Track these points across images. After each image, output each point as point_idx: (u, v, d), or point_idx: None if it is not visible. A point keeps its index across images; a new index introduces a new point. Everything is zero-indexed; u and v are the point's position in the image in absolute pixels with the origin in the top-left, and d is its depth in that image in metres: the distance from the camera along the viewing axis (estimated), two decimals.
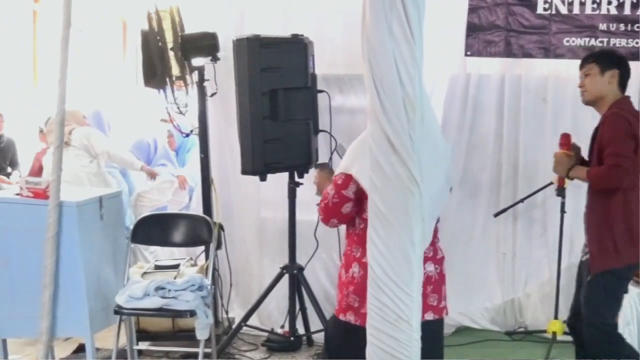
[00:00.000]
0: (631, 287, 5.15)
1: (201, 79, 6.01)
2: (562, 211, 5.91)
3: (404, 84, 2.64)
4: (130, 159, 7.09)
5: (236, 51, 5.60)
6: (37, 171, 7.35)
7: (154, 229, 5.71)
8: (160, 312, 5.18)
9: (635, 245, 4.61)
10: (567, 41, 6.16)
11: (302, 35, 5.70)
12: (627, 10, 6.03)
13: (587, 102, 4.86)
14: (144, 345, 5.83)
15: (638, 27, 6.03)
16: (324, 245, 6.11)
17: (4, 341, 5.31)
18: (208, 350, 5.40)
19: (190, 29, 6.05)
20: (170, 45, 5.84)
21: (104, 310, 5.25)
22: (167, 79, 5.84)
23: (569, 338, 5.90)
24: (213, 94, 6.10)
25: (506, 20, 6.25)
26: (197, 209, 6.43)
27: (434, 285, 3.81)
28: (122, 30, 12.17)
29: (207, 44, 5.93)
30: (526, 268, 6.54)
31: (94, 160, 6.81)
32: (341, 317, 3.90)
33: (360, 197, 3.77)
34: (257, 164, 5.59)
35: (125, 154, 7.11)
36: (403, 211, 2.71)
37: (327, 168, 4.80)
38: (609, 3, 6.05)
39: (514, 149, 6.43)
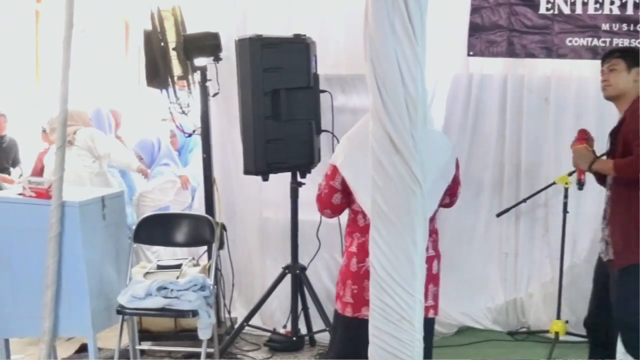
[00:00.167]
0: None
1: (204, 79, 6.01)
2: (565, 211, 5.92)
3: (407, 84, 2.64)
4: (128, 160, 7.07)
5: (239, 51, 5.60)
6: (40, 171, 7.36)
7: (157, 229, 5.71)
8: (162, 312, 5.18)
9: None
10: (570, 41, 6.15)
11: (304, 35, 5.70)
12: (629, 10, 6.02)
13: (609, 98, 4.72)
14: (146, 345, 5.83)
15: None
16: (326, 245, 6.10)
17: (7, 341, 5.31)
18: (210, 350, 5.40)
19: (193, 28, 6.06)
20: (172, 45, 5.84)
21: (106, 310, 5.26)
22: (170, 79, 5.84)
23: (572, 338, 5.93)
24: (215, 94, 6.11)
25: (509, 20, 6.25)
26: (199, 208, 6.43)
27: None
28: (124, 30, 12.18)
29: (209, 44, 5.93)
30: (528, 268, 6.54)
31: (96, 161, 6.82)
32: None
33: (347, 189, 3.88)
34: (259, 164, 5.59)
35: (125, 156, 7.09)
36: (405, 211, 2.71)
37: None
38: (612, 3, 6.05)
39: (517, 149, 6.42)
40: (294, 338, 6.03)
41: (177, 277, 5.61)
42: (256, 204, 6.53)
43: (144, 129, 8.40)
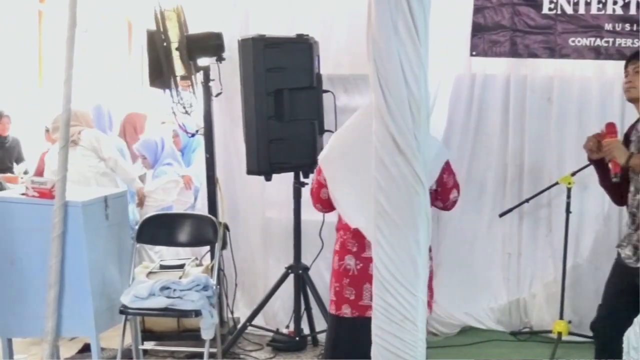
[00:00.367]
0: None
1: (206, 79, 6.01)
2: (568, 211, 5.92)
3: (409, 84, 2.64)
4: (132, 175, 7.05)
5: (241, 51, 5.61)
6: (43, 171, 7.36)
7: (159, 229, 5.71)
8: (165, 312, 5.19)
9: None
10: (573, 41, 6.15)
11: (307, 35, 5.70)
12: (632, 10, 6.01)
13: (632, 100, 4.66)
14: (149, 345, 5.83)
15: None
16: (329, 245, 6.07)
17: (10, 340, 5.32)
18: (213, 350, 5.40)
19: (196, 28, 6.06)
20: (175, 45, 5.84)
21: (109, 310, 5.26)
22: (173, 79, 5.84)
23: (575, 338, 5.93)
24: (218, 94, 6.11)
25: (511, 20, 6.24)
26: (202, 208, 6.43)
27: None
28: (127, 30, 12.19)
29: (212, 44, 5.94)
30: (531, 268, 6.53)
31: (101, 161, 6.81)
32: None
33: None
34: (262, 164, 5.60)
35: (130, 172, 7.09)
36: (408, 211, 2.71)
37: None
38: (615, 3, 6.04)
39: (520, 149, 6.42)
40: (297, 338, 6.03)
41: (180, 277, 5.61)
42: (259, 204, 6.53)
43: (147, 128, 8.38)
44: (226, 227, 6.02)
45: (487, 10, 6.28)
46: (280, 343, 6.11)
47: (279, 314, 6.42)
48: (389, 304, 2.76)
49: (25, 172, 9.02)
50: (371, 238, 3.80)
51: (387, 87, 2.65)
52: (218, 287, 5.54)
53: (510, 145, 6.43)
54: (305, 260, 5.99)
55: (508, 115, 6.42)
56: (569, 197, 5.91)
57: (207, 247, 6.16)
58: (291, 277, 5.95)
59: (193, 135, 6.85)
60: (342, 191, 3.91)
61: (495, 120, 6.46)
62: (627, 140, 4.71)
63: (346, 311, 3.97)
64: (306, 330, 6.10)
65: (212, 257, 5.90)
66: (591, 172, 5.70)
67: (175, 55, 5.85)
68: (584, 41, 6.13)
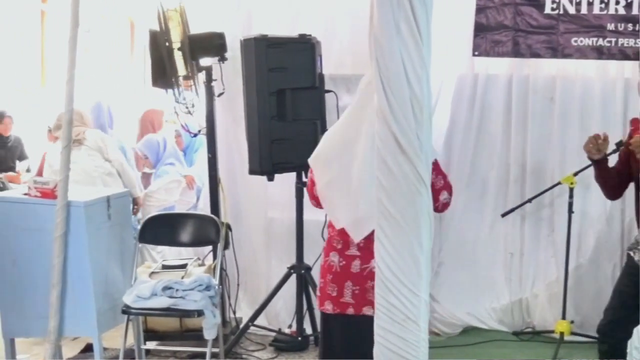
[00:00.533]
0: None
1: (209, 79, 6.01)
2: (570, 211, 5.92)
3: (412, 84, 2.64)
4: (135, 182, 7.01)
5: (244, 51, 5.61)
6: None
7: (162, 229, 5.71)
8: (167, 311, 5.19)
9: None
10: (575, 41, 6.15)
11: (309, 35, 5.70)
12: (635, 10, 6.01)
13: None
14: (151, 345, 5.84)
15: None
16: None
17: (12, 340, 5.31)
18: (215, 350, 5.40)
19: (198, 28, 6.06)
20: (177, 45, 5.85)
21: (111, 310, 5.26)
22: (175, 79, 5.84)
23: (577, 338, 5.93)
24: (220, 94, 6.11)
25: (514, 20, 6.24)
26: (204, 208, 6.43)
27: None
28: (129, 30, 12.20)
29: (215, 44, 5.94)
30: (534, 268, 6.53)
31: (107, 161, 6.78)
32: None
33: None
34: (264, 163, 5.60)
35: (134, 176, 7.07)
36: (411, 211, 2.71)
37: None
38: (617, 3, 6.04)
39: (522, 148, 6.41)
40: (299, 338, 6.03)
41: (183, 277, 5.62)
42: (261, 204, 6.53)
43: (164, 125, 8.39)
44: (228, 227, 6.02)
45: (490, 10, 6.28)
46: (282, 343, 6.11)
47: (281, 314, 6.42)
48: (391, 304, 2.76)
49: (28, 170, 9.04)
50: (355, 238, 3.84)
51: (390, 87, 2.65)
52: (220, 287, 5.55)
53: (513, 145, 6.43)
54: (308, 260, 5.98)
55: (510, 115, 6.42)
56: (571, 197, 5.90)
57: (210, 247, 6.16)
58: (293, 277, 5.95)
59: (195, 135, 6.84)
60: (328, 192, 3.93)
61: (497, 120, 6.46)
62: (627, 150, 4.74)
63: (328, 307, 3.98)
64: (308, 330, 6.10)
65: (215, 257, 5.90)
66: (593, 173, 5.71)
67: (178, 55, 5.85)
68: (587, 41, 6.12)
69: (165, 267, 5.94)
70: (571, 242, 5.99)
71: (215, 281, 5.40)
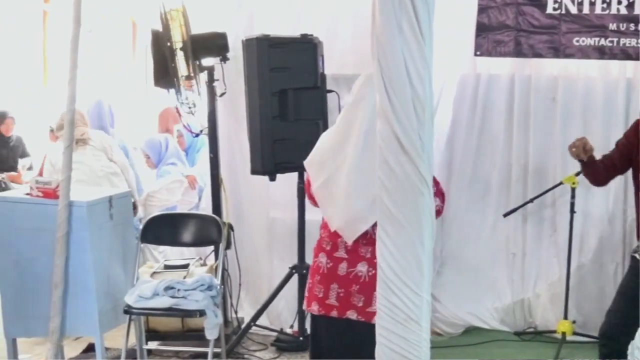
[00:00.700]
0: None
1: (211, 79, 6.01)
2: (572, 211, 5.91)
3: (414, 84, 2.64)
4: (134, 185, 7.00)
5: (246, 51, 5.61)
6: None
7: (164, 229, 5.72)
8: (169, 311, 5.19)
9: None
10: (577, 41, 6.15)
11: (311, 35, 5.71)
12: (637, 10, 6.00)
13: None
14: (153, 345, 5.84)
15: None
16: None
17: (14, 340, 5.32)
18: (217, 350, 5.40)
19: (200, 29, 6.06)
20: (179, 45, 5.85)
21: (113, 310, 5.27)
22: (177, 79, 5.84)
23: (579, 338, 5.93)
24: (222, 94, 6.11)
25: (516, 20, 6.24)
26: (206, 208, 6.43)
27: (360, 286, 3.81)
28: (131, 30, 12.20)
29: (217, 44, 5.94)
30: (536, 268, 6.52)
31: (112, 161, 6.77)
32: None
33: None
34: (266, 163, 5.60)
35: (134, 180, 7.06)
36: (413, 211, 2.71)
37: None
38: (619, 3, 6.03)
39: (524, 148, 6.41)
40: (301, 338, 6.03)
41: (184, 277, 5.62)
42: (263, 204, 6.53)
43: (151, 128, 8.39)
44: (230, 227, 6.02)
45: (492, 10, 6.28)
46: (284, 343, 6.11)
47: (283, 314, 6.42)
48: (393, 304, 2.76)
49: (30, 168, 9.05)
50: (347, 239, 3.83)
51: (392, 87, 2.65)
52: (222, 287, 5.55)
53: (515, 145, 6.43)
54: (309, 260, 5.93)
55: (512, 115, 6.42)
56: (573, 197, 5.90)
57: (212, 247, 6.17)
58: (295, 277, 5.95)
59: (197, 135, 6.84)
60: (322, 193, 3.93)
61: (499, 120, 6.46)
62: (629, 143, 4.74)
63: (314, 308, 3.98)
64: (309, 330, 6.09)
65: (217, 257, 5.91)
66: None
67: (180, 55, 5.85)
68: (589, 41, 6.12)
69: (167, 267, 5.94)
70: (573, 242, 5.99)
71: (217, 281, 5.40)
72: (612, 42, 6.07)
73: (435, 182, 3.93)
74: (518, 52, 6.29)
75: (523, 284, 6.55)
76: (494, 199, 6.53)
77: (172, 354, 5.90)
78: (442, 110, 6.30)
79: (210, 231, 5.63)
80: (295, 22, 6.23)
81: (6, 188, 8.08)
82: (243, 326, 6.12)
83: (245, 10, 6.42)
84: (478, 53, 6.37)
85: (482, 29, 6.32)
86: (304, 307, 4.13)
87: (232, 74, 6.04)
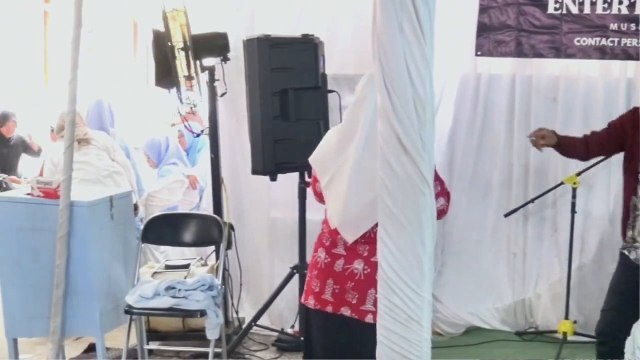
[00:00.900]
0: None
1: (212, 79, 6.01)
2: (573, 211, 5.92)
3: (415, 84, 2.64)
4: (135, 187, 7.00)
5: (246, 51, 5.61)
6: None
7: (165, 229, 5.71)
8: (170, 311, 5.19)
9: None
10: (578, 41, 6.14)
11: (312, 35, 5.70)
12: (638, 10, 6.00)
13: None
14: (154, 345, 5.84)
15: None
16: None
17: (15, 340, 5.32)
18: (218, 350, 5.40)
19: (201, 28, 6.06)
20: (180, 45, 5.84)
21: (114, 310, 5.27)
22: (178, 79, 5.84)
23: (580, 338, 5.92)
24: (223, 94, 6.11)
25: (517, 20, 6.24)
26: (207, 208, 6.43)
27: (355, 284, 3.81)
28: (132, 30, 12.21)
29: (218, 44, 5.94)
30: (537, 268, 6.52)
31: (114, 160, 6.76)
32: None
33: None
34: (267, 163, 5.60)
35: (135, 181, 7.06)
36: (414, 211, 2.71)
37: None
38: (620, 3, 6.03)
39: (525, 148, 6.40)
40: (302, 338, 6.02)
41: (185, 277, 5.62)
42: (264, 204, 6.53)
43: (152, 128, 8.39)
44: (231, 227, 6.02)
45: (493, 10, 6.28)
46: (285, 343, 6.11)
47: (284, 314, 6.42)
48: (394, 304, 2.76)
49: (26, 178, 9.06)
50: (348, 239, 3.82)
51: (393, 87, 2.65)
52: (223, 287, 5.54)
53: (516, 145, 6.42)
54: (310, 260, 5.98)
55: (513, 115, 6.42)
56: (574, 197, 5.90)
57: (212, 247, 6.17)
58: (296, 277, 5.95)
59: (198, 135, 6.84)
60: (326, 192, 3.94)
61: (500, 120, 6.46)
62: (623, 128, 4.77)
63: (310, 302, 3.99)
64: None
65: (217, 257, 5.91)
66: (596, 172, 5.74)
67: (181, 55, 5.85)
68: (590, 41, 6.12)
69: (168, 267, 5.94)
70: (574, 242, 6.00)
71: (218, 281, 5.39)
72: (613, 42, 6.07)
73: (440, 182, 3.93)
74: (519, 52, 6.29)
75: (524, 284, 6.56)
76: (495, 199, 6.53)
77: (173, 354, 5.90)
78: (443, 110, 6.30)
79: (211, 231, 5.63)
80: (296, 22, 6.23)
81: (7, 188, 8.09)
82: (244, 326, 6.12)
83: (246, 10, 6.42)
84: (479, 53, 6.37)
85: (483, 29, 6.32)
86: (302, 299, 4.13)
87: (233, 74, 6.04)
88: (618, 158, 5.09)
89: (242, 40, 5.71)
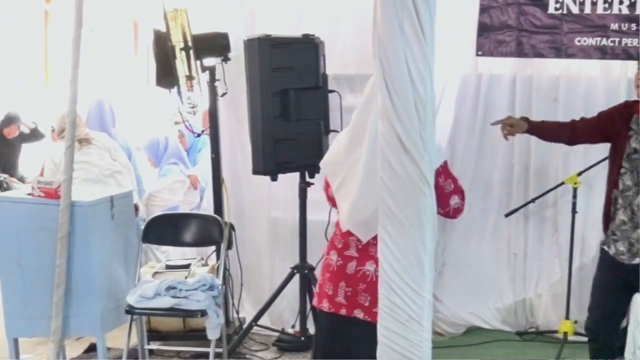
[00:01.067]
0: None
1: (212, 79, 6.01)
2: (574, 211, 5.92)
3: (415, 84, 2.64)
4: (136, 187, 6.99)
5: (247, 51, 5.61)
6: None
7: (165, 229, 5.72)
8: (171, 311, 5.19)
9: None
10: (579, 41, 6.14)
11: (313, 35, 5.71)
12: (638, 10, 5.99)
13: None
14: (155, 345, 5.85)
15: None
16: None
17: (16, 340, 5.33)
18: (219, 350, 5.41)
19: (201, 28, 6.06)
20: (181, 45, 5.85)
21: (115, 310, 5.27)
22: (179, 79, 5.84)
23: (581, 338, 5.90)
24: (224, 94, 6.11)
25: (517, 20, 6.24)
26: (208, 208, 6.43)
27: (367, 285, 3.79)
28: (133, 30, 12.21)
29: (218, 44, 5.94)
30: (537, 268, 6.52)
31: (116, 160, 6.75)
32: None
33: None
34: (268, 163, 5.60)
35: (135, 182, 7.04)
36: (414, 211, 2.71)
37: None
38: (621, 2, 6.02)
39: (526, 148, 6.41)
40: (303, 338, 6.03)
41: (186, 277, 5.62)
42: (265, 204, 6.53)
43: (153, 128, 8.39)
44: (232, 227, 6.02)
45: (493, 10, 6.28)
46: (286, 343, 6.12)
47: (285, 314, 6.42)
48: (395, 304, 2.76)
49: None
50: (363, 238, 3.81)
51: (393, 87, 2.65)
52: (224, 287, 5.55)
53: (516, 145, 6.42)
54: (311, 260, 5.98)
55: (514, 115, 6.40)
56: (574, 197, 5.91)
57: (213, 247, 6.17)
58: (297, 277, 5.95)
59: (199, 135, 6.85)
60: (338, 195, 3.93)
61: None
62: (612, 119, 4.78)
63: (324, 305, 3.98)
64: (312, 330, 6.07)
65: (218, 257, 5.91)
66: (597, 172, 5.73)
67: (182, 55, 5.85)
68: (590, 41, 6.12)
69: (168, 267, 5.95)
70: (575, 242, 6.00)
71: (219, 281, 5.40)
72: (613, 42, 6.07)
73: (453, 179, 3.91)
74: (520, 52, 6.29)
75: (525, 284, 6.56)
76: (496, 199, 6.53)
77: (173, 354, 5.90)
78: (443, 110, 6.29)
79: (211, 231, 5.64)
80: (297, 22, 6.23)
81: (8, 188, 8.09)
82: (244, 326, 6.12)
83: (246, 10, 6.42)
84: (480, 53, 6.36)
85: (483, 29, 6.31)
86: (314, 303, 4.12)
87: (234, 74, 6.04)
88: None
89: (243, 40, 5.71)
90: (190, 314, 5.22)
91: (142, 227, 5.76)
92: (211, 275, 5.46)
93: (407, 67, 2.63)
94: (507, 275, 6.60)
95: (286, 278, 5.98)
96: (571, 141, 5.23)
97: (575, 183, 5.87)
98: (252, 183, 6.36)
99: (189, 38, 5.82)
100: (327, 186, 4.06)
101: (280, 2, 6.37)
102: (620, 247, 4.68)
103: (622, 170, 4.67)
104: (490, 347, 6.16)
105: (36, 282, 5.09)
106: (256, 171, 5.72)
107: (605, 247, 4.79)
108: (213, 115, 6.10)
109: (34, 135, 9.57)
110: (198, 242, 5.94)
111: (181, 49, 5.82)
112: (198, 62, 5.90)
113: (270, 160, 5.59)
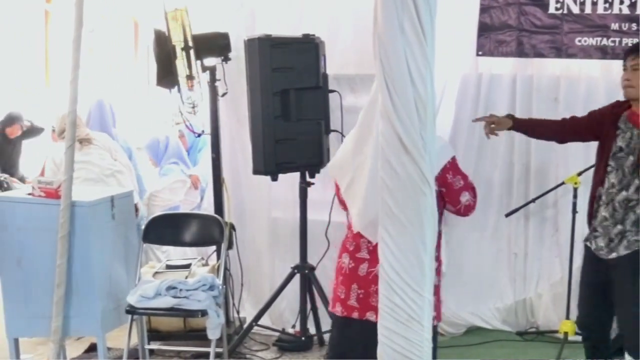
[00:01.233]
0: None
1: (212, 79, 6.01)
2: (574, 211, 5.91)
3: (416, 84, 2.64)
4: (136, 188, 6.99)
5: (248, 51, 5.61)
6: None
7: (166, 229, 5.72)
8: (171, 311, 5.20)
9: None
10: (579, 41, 6.14)
11: (313, 35, 5.70)
12: (639, 10, 5.99)
13: (631, 98, 4.69)
14: (155, 345, 5.85)
15: None
16: (335, 244, 6.08)
17: (16, 340, 5.33)
18: (219, 350, 5.41)
19: (202, 28, 6.06)
20: (181, 45, 5.85)
21: (115, 310, 5.28)
22: (179, 79, 5.84)
23: (581, 338, 5.91)
24: (224, 94, 6.11)
25: (518, 20, 6.23)
26: (208, 208, 6.44)
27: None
28: (133, 30, 12.20)
29: (219, 44, 5.95)
30: (538, 268, 6.52)
31: (116, 160, 6.75)
32: None
33: None
34: (268, 163, 5.60)
35: (136, 182, 7.04)
36: (415, 211, 2.71)
37: None
38: (621, 2, 6.02)
39: (526, 148, 6.41)
40: (303, 338, 6.04)
41: (186, 277, 5.62)
42: (265, 204, 6.54)
43: (153, 128, 8.39)
44: (232, 227, 6.02)
45: (494, 10, 6.27)
46: (286, 343, 6.12)
47: (285, 314, 6.42)
48: (395, 304, 2.76)
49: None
50: (373, 239, 3.80)
51: (394, 87, 2.65)
52: (224, 287, 5.55)
53: (517, 145, 6.42)
54: (311, 260, 5.99)
55: (515, 116, 6.41)
56: (575, 197, 5.90)
57: (214, 247, 6.18)
58: (297, 277, 5.95)
59: (199, 135, 6.85)
60: (346, 197, 3.93)
61: None
62: (602, 118, 4.78)
63: (338, 309, 3.98)
64: (312, 330, 6.10)
65: (219, 257, 5.91)
66: None
67: (182, 55, 5.85)
68: (591, 41, 6.12)
69: (169, 267, 5.94)
70: (575, 242, 5.98)
71: (219, 281, 5.40)
72: (614, 42, 6.06)
73: (463, 176, 3.92)
74: (520, 52, 6.28)
75: (525, 283, 6.56)
76: (496, 199, 6.53)
77: (174, 354, 5.90)
78: (444, 110, 6.28)
79: (212, 231, 5.64)
80: (297, 22, 6.23)
81: (8, 188, 8.09)
82: (245, 326, 6.12)
83: (246, 10, 6.42)
84: (480, 53, 6.36)
85: (484, 29, 6.31)
86: (329, 308, 4.11)
87: (234, 74, 6.04)
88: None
89: (243, 40, 5.70)
90: (191, 313, 5.22)
91: (143, 226, 5.76)
92: (212, 275, 5.46)
93: (407, 67, 2.63)
94: (507, 275, 6.60)
95: (286, 278, 5.99)
96: (561, 139, 5.26)
97: (576, 183, 5.86)
98: (252, 183, 6.36)
99: (189, 38, 5.82)
100: (337, 189, 4.06)
101: (280, 2, 6.37)
102: (600, 243, 4.72)
103: (609, 169, 4.70)
104: (491, 347, 6.16)
105: (36, 282, 5.10)
106: (256, 171, 5.71)
107: (588, 243, 4.83)
108: (213, 115, 6.10)
109: (32, 131, 9.57)
110: (198, 242, 5.95)
111: (181, 49, 5.82)
112: (198, 62, 5.90)
113: (270, 160, 5.59)
